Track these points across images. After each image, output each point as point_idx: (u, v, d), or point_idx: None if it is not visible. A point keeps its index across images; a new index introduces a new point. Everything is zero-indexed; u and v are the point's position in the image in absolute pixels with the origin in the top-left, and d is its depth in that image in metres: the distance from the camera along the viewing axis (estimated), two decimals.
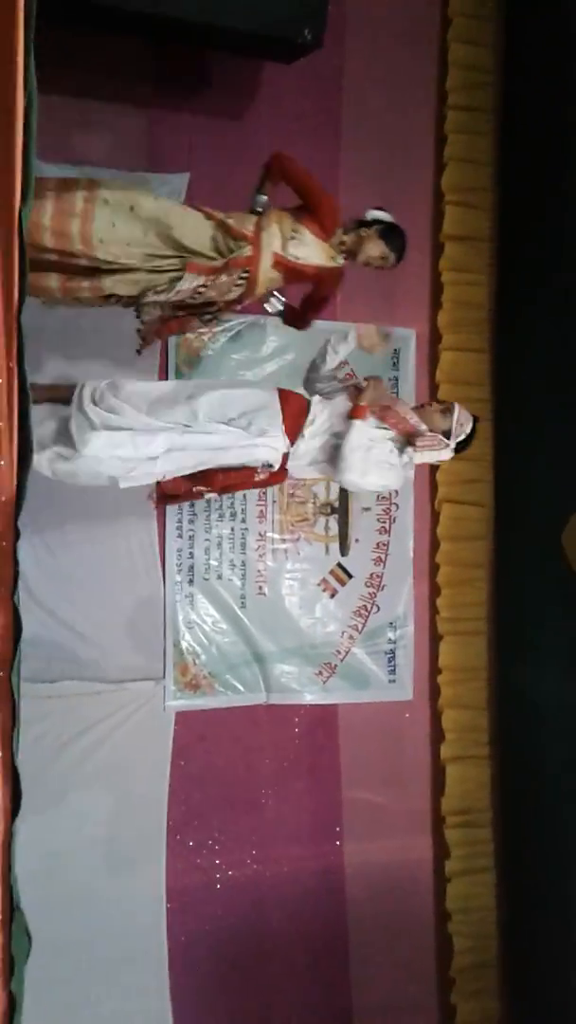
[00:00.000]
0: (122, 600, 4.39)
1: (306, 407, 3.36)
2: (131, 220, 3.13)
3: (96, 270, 3.15)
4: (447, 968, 4.92)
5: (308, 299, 3.55)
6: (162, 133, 4.42)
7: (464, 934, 4.90)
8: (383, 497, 4.86)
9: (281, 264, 3.33)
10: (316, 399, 3.41)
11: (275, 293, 3.48)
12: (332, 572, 4.83)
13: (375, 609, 4.91)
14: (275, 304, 3.52)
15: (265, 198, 3.41)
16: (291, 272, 3.36)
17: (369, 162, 4.82)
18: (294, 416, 3.30)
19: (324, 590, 4.82)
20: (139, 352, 3.46)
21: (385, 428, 3.36)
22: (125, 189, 3.21)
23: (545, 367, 4.73)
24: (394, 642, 4.95)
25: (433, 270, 4.98)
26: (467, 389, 4.98)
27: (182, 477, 3.27)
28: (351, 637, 4.87)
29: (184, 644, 4.54)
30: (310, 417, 3.32)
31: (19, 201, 1.83)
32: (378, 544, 4.91)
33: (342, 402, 3.39)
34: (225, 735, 4.61)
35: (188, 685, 4.54)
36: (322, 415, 3.34)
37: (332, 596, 4.84)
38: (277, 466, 3.31)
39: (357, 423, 3.28)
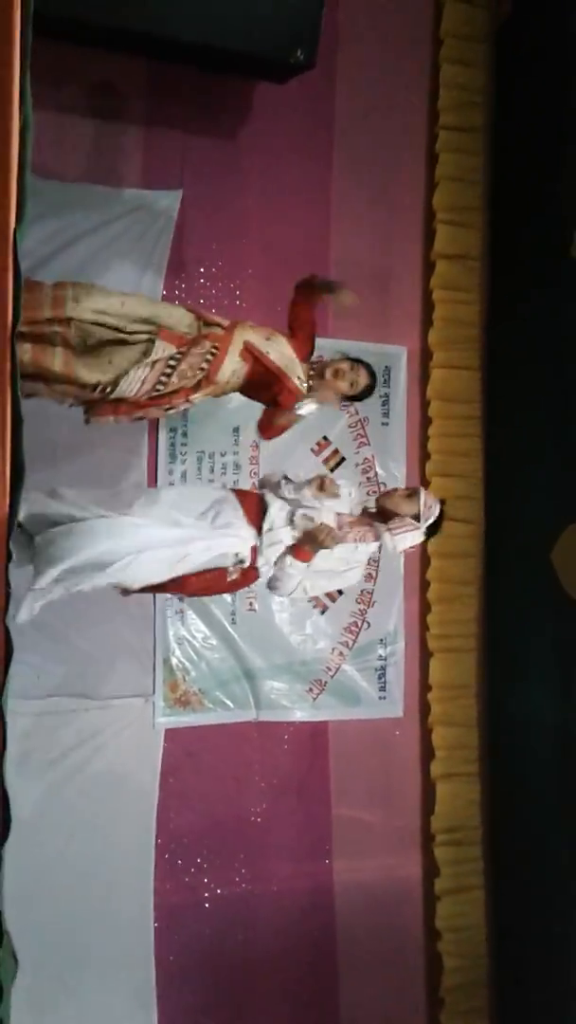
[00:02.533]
0: (112, 616, 4.36)
1: (263, 507, 3.32)
2: (109, 296, 3.22)
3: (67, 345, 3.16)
4: (437, 987, 4.90)
5: (262, 399, 3.56)
6: (156, 150, 4.44)
7: (454, 953, 4.88)
8: None
9: (249, 352, 3.36)
10: (275, 505, 3.33)
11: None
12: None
13: (366, 626, 4.91)
14: (308, 408, 3.50)
15: None
16: (256, 366, 3.38)
17: (361, 181, 4.85)
18: (253, 512, 3.29)
19: (315, 606, 4.82)
20: (88, 423, 3.40)
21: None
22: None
23: (535, 385, 4.75)
24: (384, 659, 4.94)
25: (424, 288, 5.00)
26: (457, 407, 5.01)
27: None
28: (341, 654, 4.86)
29: (174, 660, 4.52)
30: (267, 522, 3.27)
31: (14, 221, 1.83)
32: (368, 561, 4.90)
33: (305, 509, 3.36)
34: (214, 752, 4.59)
35: (178, 702, 4.52)
36: (280, 517, 3.30)
37: (323, 612, 4.84)
38: (248, 561, 3.27)
39: (298, 564, 3.28)
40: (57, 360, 3.14)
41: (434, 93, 4.98)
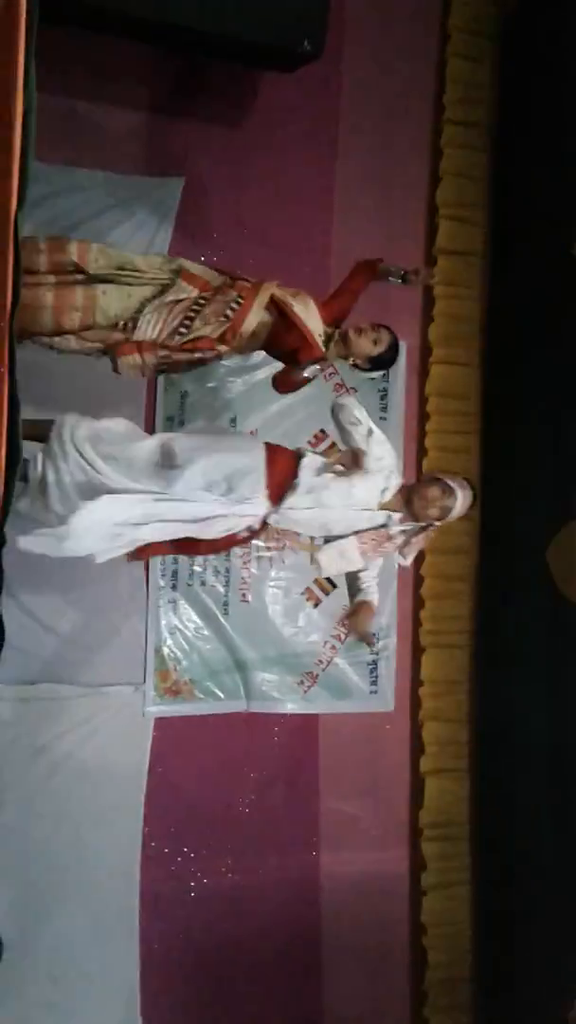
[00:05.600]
0: (104, 604, 4.36)
1: (294, 466, 3.26)
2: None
3: (89, 280, 3.16)
4: (420, 981, 4.91)
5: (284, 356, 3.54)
6: (159, 137, 4.42)
7: (438, 948, 4.89)
8: None
9: (275, 305, 3.35)
10: (308, 456, 3.29)
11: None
12: (316, 581, 4.81)
13: None
14: (313, 370, 3.46)
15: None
16: (280, 320, 3.36)
17: (365, 173, 4.84)
18: (279, 478, 3.21)
19: (308, 599, 4.82)
20: (115, 370, 3.39)
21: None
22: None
23: (534, 383, 4.75)
24: (376, 653, 4.94)
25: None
26: (456, 403, 5.01)
27: (163, 543, 3.25)
28: (333, 647, 4.86)
29: (165, 650, 4.52)
30: (296, 481, 3.21)
31: (15, 205, 1.82)
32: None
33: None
34: (204, 742, 4.59)
35: (168, 691, 4.52)
36: (309, 474, 3.24)
37: (316, 605, 4.83)
38: (257, 527, 3.28)
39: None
40: (76, 315, 3.16)
41: (440, 88, 4.96)
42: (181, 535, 3.20)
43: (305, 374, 3.39)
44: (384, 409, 4.91)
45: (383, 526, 3.33)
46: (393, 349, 3.53)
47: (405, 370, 4.97)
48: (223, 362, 4.50)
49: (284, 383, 3.51)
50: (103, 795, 4.29)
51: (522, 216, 4.87)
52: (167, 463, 3.12)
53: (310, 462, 3.27)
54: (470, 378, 5.04)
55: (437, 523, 3.41)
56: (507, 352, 4.94)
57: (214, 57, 4.29)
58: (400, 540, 3.39)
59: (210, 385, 4.55)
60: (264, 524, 3.29)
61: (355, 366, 3.55)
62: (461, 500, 3.36)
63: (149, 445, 3.17)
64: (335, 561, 3.37)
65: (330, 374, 4.73)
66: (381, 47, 4.84)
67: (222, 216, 4.52)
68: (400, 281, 3.57)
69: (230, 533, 3.23)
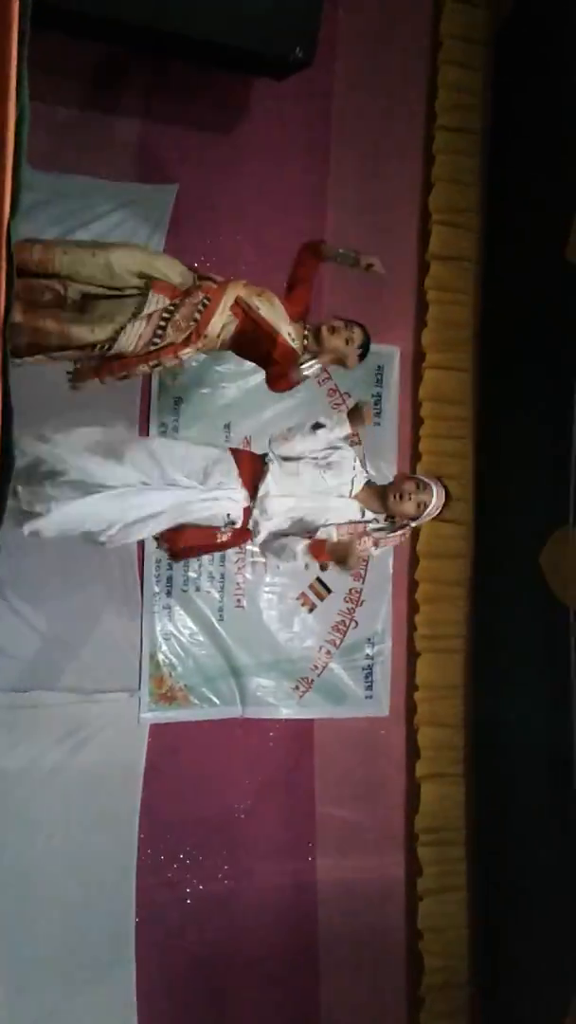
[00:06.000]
0: (99, 610, 4.36)
1: (261, 459, 3.35)
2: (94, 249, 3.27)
3: (61, 305, 3.16)
4: (417, 987, 4.90)
5: (256, 360, 3.55)
6: (152, 144, 4.43)
7: (435, 953, 4.89)
8: None
9: (239, 307, 3.35)
10: (274, 465, 3.32)
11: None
12: (311, 586, 4.82)
13: (353, 625, 4.91)
14: (313, 368, 3.44)
15: None
16: (246, 322, 3.37)
17: (357, 180, 4.85)
18: (248, 467, 3.29)
19: (303, 604, 4.81)
20: (74, 388, 3.38)
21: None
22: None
23: (527, 387, 4.76)
24: (372, 658, 4.95)
25: (418, 289, 5.01)
26: (449, 408, 5.01)
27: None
28: (328, 652, 4.86)
29: (160, 656, 4.52)
30: (263, 487, 3.26)
31: (8, 213, 1.82)
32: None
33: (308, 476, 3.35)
34: (199, 748, 4.59)
35: (163, 697, 4.52)
36: (276, 464, 3.31)
37: (311, 611, 4.83)
38: (240, 523, 3.28)
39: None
40: (50, 323, 3.15)
41: (432, 94, 4.98)
42: (165, 525, 3.23)
43: (305, 372, 3.39)
44: (378, 415, 4.91)
45: (361, 521, 3.38)
46: (366, 347, 3.53)
47: (399, 375, 4.98)
48: (217, 368, 4.54)
49: (277, 381, 3.50)
50: (98, 802, 4.28)
51: (515, 221, 4.88)
52: (140, 460, 3.17)
53: (274, 457, 3.36)
54: (464, 383, 5.05)
55: (412, 523, 3.45)
56: (501, 357, 4.95)
57: (207, 64, 4.29)
58: (375, 537, 3.41)
59: (204, 391, 4.56)
60: (246, 528, 3.31)
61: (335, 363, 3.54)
62: (436, 497, 3.41)
63: (127, 445, 3.24)
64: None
65: (324, 379, 4.74)
66: (373, 54, 4.86)
67: (215, 222, 4.54)
68: (352, 265, 3.52)
69: (209, 526, 3.25)
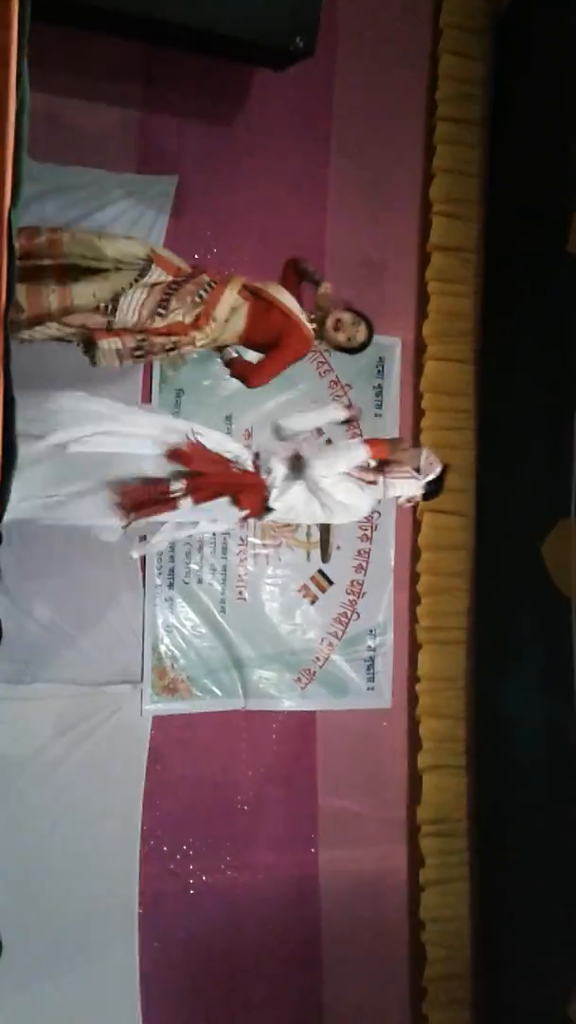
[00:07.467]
0: (101, 602, 4.36)
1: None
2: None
3: (63, 274, 3.15)
4: (420, 977, 4.92)
5: (268, 347, 3.48)
6: (152, 135, 4.43)
7: (437, 943, 4.90)
8: None
9: (248, 289, 3.35)
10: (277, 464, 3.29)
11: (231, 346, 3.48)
12: (313, 578, 4.82)
13: (355, 616, 4.91)
14: (229, 352, 3.49)
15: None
16: (258, 303, 3.35)
17: (358, 171, 4.84)
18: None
19: (305, 596, 4.82)
20: (92, 362, 3.33)
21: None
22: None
23: (528, 378, 4.75)
24: (373, 650, 4.95)
25: (419, 280, 5.00)
26: (450, 399, 5.01)
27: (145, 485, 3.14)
28: (330, 644, 4.87)
29: (163, 648, 4.52)
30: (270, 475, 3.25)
31: (9, 204, 1.82)
32: (359, 552, 4.92)
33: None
34: (202, 740, 4.60)
35: (166, 689, 4.53)
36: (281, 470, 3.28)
37: (312, 602, 4.84)
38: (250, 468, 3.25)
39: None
40: (51, 286, 3.16)
41: (432, 84, 4.96)
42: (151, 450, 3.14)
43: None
44: (379, 406, 4.92)
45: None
46: (364, 347, 3.55)
47: (400, 366, 4.97)
48: (219, 360, 4.52)
49: (258, 373, 3.48)
50: (102, 793, 4.29)
51: (516, 212, 4.87)
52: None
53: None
54: (465, 374, 5.04)
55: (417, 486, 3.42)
56: (501, 348, 4.94)
57: (207, 55, 4.28)
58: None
59: (206, 383, 4.55)
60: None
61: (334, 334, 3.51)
62: (424, 462, 3.43)
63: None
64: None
65: (325, 371, 4.74)
66: (373, 44, 4.84)
67: (216, 213, 4.53)
68: (314, 285, 3.53)
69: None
